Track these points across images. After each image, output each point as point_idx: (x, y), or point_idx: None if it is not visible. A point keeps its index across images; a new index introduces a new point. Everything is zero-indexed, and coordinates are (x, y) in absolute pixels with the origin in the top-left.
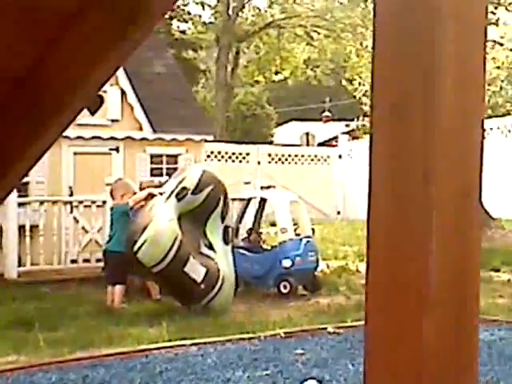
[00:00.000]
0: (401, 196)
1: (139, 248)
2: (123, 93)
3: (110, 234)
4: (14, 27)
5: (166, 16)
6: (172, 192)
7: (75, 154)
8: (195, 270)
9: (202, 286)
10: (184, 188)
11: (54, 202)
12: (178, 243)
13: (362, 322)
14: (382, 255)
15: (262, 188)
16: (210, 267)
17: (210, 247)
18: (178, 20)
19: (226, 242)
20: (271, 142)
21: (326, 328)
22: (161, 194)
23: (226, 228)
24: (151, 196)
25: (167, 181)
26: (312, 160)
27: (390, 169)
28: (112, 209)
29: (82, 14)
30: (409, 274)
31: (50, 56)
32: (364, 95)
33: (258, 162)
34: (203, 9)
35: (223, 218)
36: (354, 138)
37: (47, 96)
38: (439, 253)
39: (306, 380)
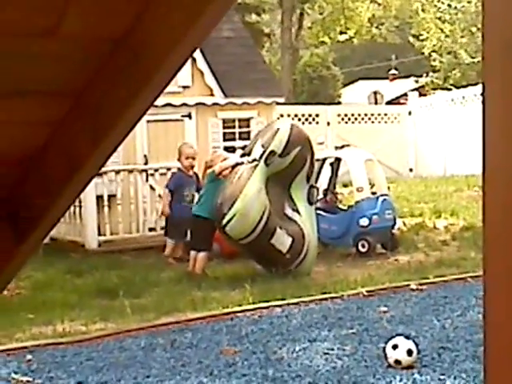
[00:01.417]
0: None
1: (228, 222)
2: (193, 59)
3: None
4: None
5: None
6: (261, 157)
7: (148, 122)
8: (281, 241)
9: (288, 256)
10: (272, 152)
11: (130, 171)
12: (266, 216)
13: (445, 278)
14: (499, 203)
15: (336, 148)
16: (296, 235)
17: (295, 209)
18: None
19: (310, 203)
20: (339, 103)
21: (408, 285)
22: (250, 162)
23: (310, 188)
24: (238, 164)
25: (255, 142)
26: (382, 119)
27: (505, 111)
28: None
29: None
30: None
31: (147, 15)
32: (433, 51)
33: (328, 123)
34: None
35: (308, 178)
36: (422, 95)
37: (145, 55)
38: None
39: (393, 337)
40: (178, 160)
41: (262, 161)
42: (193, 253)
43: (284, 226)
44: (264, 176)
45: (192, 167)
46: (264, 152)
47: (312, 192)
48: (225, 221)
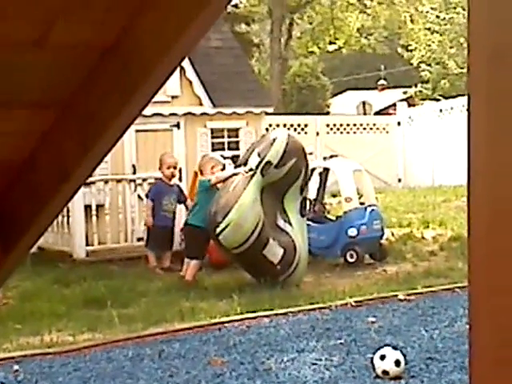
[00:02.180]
0: (503, 156)
1: (222, 231)
2: (182, 68)
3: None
4: None
5: None
6: (257, 167)
7: (137, 131)
8: (273, 252)
9: (279, 267)
10: (268, 162)
11: (119, 181)
12: (260, 226)
13: (433, 289)
14: (484, 218)
15: (324, 158)
16: (287, 246)
17: (287, 220)
18: None
19: (302, 215)
20: (328, 113)
21: (396, 295)
22: (246, 172)
23: (303, 200)
24: (234, 174)
25: (251, 152)
26: (371, 129)
27: (489, 125)
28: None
29: None
30: None
31: (136, 24)
32: (422, 61)
33: (317, 133)
34: None
35: (302, 190)
36: (410, 105)
37: (135, 64)
38: None
39: (381, 347)
40: (159, 169)
41: (259, 171)
42: (187, 260)
43: (276, 237)
44: (259, 186)
45: (173, 176)
46: (261, 162)
47: (305, 204)
48: (219, 229)
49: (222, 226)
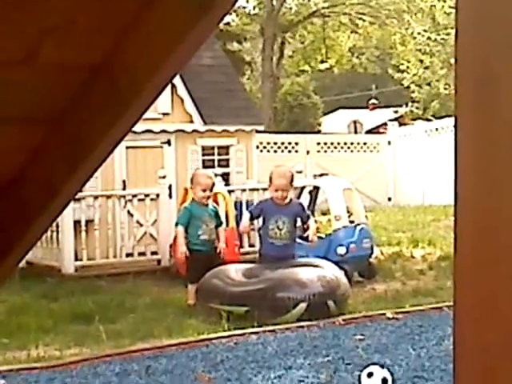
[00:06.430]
0: (489, 176)
1: None
2: (173, 85)
3: None
4: (87, 18)
5: None
6: None
7: (127, 148)
8: None
9: None
10: None
11: (108, 197)
12: None
13: (421, 308)
14: (470, 236)
15: (314, 176)
16: None
17: None
18: None
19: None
20: (319, 132)
21: (384, 314)
22: None
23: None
24: None
25: None
26: (361, 148)
27: (476, 146)
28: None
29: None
30: (499, 254)
31: (125, 42)
32: (412, 82)
33: (307, 152)
34: (247, 1)
35: None
36: (401, 125)
37: (124, 81)
38: None
39: (369, 365)
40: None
41: None
42: (190, 286)
43: None
44: None
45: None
46: None
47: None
48: None
49: None
